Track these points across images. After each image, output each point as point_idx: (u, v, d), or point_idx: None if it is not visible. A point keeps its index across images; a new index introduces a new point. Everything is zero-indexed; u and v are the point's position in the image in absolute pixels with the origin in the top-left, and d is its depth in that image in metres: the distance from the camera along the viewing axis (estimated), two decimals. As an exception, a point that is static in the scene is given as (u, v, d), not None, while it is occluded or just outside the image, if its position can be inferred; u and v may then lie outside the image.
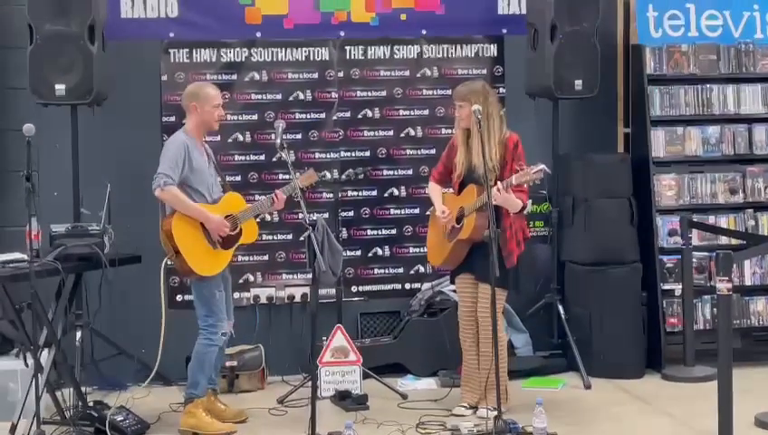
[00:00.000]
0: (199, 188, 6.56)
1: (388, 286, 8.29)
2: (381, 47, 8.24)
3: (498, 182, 6.46)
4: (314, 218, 6.22)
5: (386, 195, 8.22)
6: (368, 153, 8.24)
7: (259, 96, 8.06)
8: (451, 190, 6.96)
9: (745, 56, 8.29)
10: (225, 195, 6.69)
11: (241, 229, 6.64)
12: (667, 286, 8.04)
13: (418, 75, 8.29)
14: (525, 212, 6.84)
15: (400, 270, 8.30)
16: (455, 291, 7.20)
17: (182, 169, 6.48)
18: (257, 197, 7.18)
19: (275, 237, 8.04)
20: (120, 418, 6.41)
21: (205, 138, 6.79)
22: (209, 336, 6.56)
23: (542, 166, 6.42)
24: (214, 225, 6.49)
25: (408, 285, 8.29)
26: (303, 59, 8.15)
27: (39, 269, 6.14)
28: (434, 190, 7.01)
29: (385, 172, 8.26)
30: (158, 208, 7.33)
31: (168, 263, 6.59)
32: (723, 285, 5.72)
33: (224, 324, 6.61)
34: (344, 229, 8.08)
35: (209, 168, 6.69)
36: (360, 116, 8.23)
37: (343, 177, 8.01)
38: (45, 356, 6.47)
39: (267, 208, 6.87)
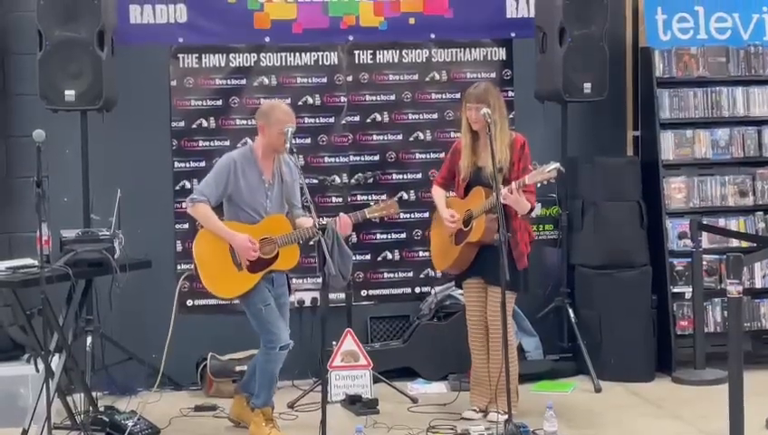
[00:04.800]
0: (244, 207, 6.42)
1: (398, 290, 8.30)
2: (390, 51, 8.25)
3: (512, 182, 6.45)
4: (324, 223, 6.20)
5: (395, 199, 8.22)
6: (377, 157, 8.24)
7: (268, 101, 8.06)
8: (454, 194, 6.96)
9: (755, 58, 8.28)
10: (267, 217, 6.45)
11: (278, 254, 6.43)
12: (677, 289, 8.03)
13: (427, 79, 8.29)
14: (533, 214, 6.83)
15: (410, 274, 8.30)
16: (463, 295, 7.19)
17: (224, 186, 6.38)
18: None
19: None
20: (130, 423, 6.42)
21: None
22: (267, 353, 6.46)
23: (556, 165, 6.39)
24: (239, 246, 6.33)
25: (417, 289, 8.29)
26: (312, 63, 8.16)
27: (49, 275, 6.14)
28: (437, 195, 7.00)
29: (394, 176, 8.26)
30: (169, 214, 7.40)
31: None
32: (733, 288, 5.71)
33: (280, 337, 6.41)
34: (353, 233, 8.07)
35: (269, 188, 6.48)
36: (368, 120, 8.24)
37: (352, 181, 8.03)
38: (56, 361, 6.48)
39: (315, 235, 6.21)
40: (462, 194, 6.83)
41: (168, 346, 6.49)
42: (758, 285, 8.18)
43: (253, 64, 8.08)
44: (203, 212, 6.38)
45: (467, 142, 6.75)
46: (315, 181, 8.01)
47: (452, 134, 8.13)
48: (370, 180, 7.98)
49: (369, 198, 8.12)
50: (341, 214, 6.51)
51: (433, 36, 8.29)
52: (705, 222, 7.98)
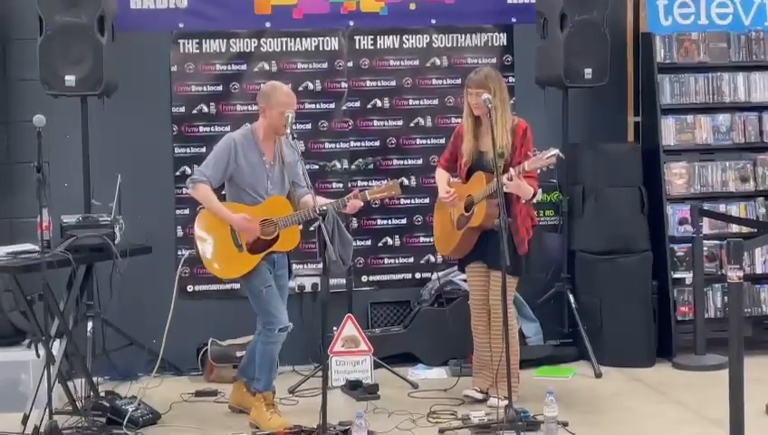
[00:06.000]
0: (246, 188, 6.45)
1: (399, 276, 8.30)
2: (391, 37, 8.24)
3: (511, 169, 6.45)
4: (324, 208, 6.20)
5: (397, 181, 8.17)
6: (377, 143, 8.24)
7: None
8: (458, 179, 6.96)
9: (756, 44, 8.27)
10: (268, 198, 6.47)
11: (278, 235, 6.44)
12: (677, 275, 8.04)
13: (428, 65, 8.28)
14: (535, 200, 6.84)
15: (410, 260, 8.30)
16: (464, 280, 7.20)
17: (225, 167, 6.40)
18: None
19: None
20: (131, 408, 6.43)
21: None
22: (266, 334, 6.47)
23: (556, 151, 6.39)
24: (238, 226, 6.34)
25: (418, 275, 8.30)
26: (313, 49, 8.15)
27: (50, 260, 6.13)
28: (440, 176, 6.99)
29: (395, 162, 8.26)
30: (169, 199, 7.38)
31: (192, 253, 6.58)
32: (734, 274, 5.69)
33: (279, 318, 6.43)
34: (354, 219, 8.08)
35: (270, 169, 6.50)
36: (369, 106, 8.23)
37: (353, 167, 8.02)
38: (57, 347, 6.49)
39: (313, 216, 6.29)
40: (464, 178, 6.83)
41: (169, 332, 6.50)
42: (759, 270, 8.19)
43: (253, 50, 8.07)
44: (204, 194, 6.40)
45: (469, 127, 6.76)
46: (316, 167, 8.00)
47: (453, 120, 8.13)
48: (371, 166, 7.97)
49: (370, 184, 8.10)
50: (352, 200, 6.49)
51: (434, 22, 8.28)
52: (705, 208, 7.98)
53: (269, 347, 6.49)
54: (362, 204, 6.56)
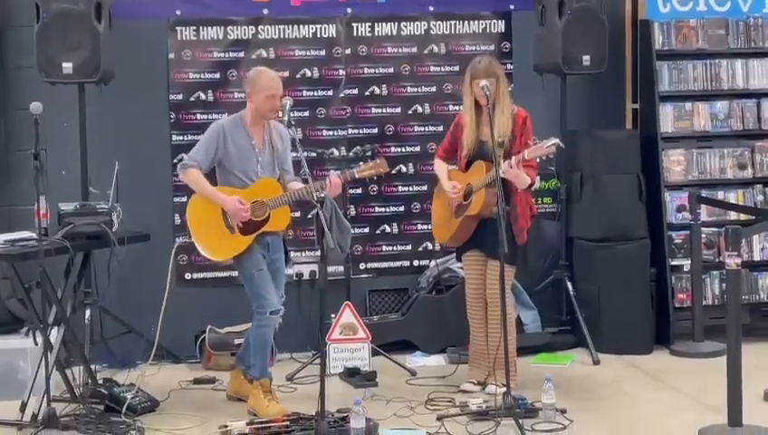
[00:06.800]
0: (236, 172, 6.49)
1: (397, 263, 8.30)
2: (388, 24, 8.22)
3: (512, 157, 6.44)
4: (322, 196, 6.20)
5: (393, 172, 8.17)
6: (375, 130, 8.23)
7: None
8: (456, 167, 6.95)
9: (754, 30, 8.26)
10: (258, 180, 6.51)
11: (269, 216, 6.48)
12: (675, 262, 8.05)
13: (426, 52, 8.27)
14: (532, 189, 6.84)
15: (408, 247, 8.30)
16: (462, 268, 7.20)
17: (214, 152, 6.46)
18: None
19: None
20: (129, 395, 6.43)
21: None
22: (258, 318, 6.51)
23: (556, 140, 6.39)
24: (229, 208, 6.40)
25: (416, 262, 8.30)
26: (310, 36, 8.13)
27: (48, 247, 6.13)
28: (440, 167, 6.99)
29: (393, 149, 8.24)
30: (167, 187, 7.35)
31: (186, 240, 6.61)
32: (732, 261, 5.71)
33: (270, 301, 6.47)
34: (352, 206, 8.08)
35: (260, 152, 6.53)
36: (367, 93, 8.22)
37: (351, 154, 8.01)
38: (55, 334, 6.49)
39: (309, 195, 6.19)
40: (464, 167, 6.82)
41: (167, 319, 6.50)
42: (756, 257, 8.19)
43: (251, 37, 8.05)
44: (193, 177, 6.46)
45: (471, 120, 6.73)
46: (314, 154, 7.99)
47: (450, 107, 8.13)
48: (369, 153, 7.96)
49: (368, 171, 8.13)
50: (332, 173, 6.58)
51: (431, 9, 8.26)
52: (703, 195, 7.98)
53: (261, 331, 6.52)
54: (341, 182, 6.57)
